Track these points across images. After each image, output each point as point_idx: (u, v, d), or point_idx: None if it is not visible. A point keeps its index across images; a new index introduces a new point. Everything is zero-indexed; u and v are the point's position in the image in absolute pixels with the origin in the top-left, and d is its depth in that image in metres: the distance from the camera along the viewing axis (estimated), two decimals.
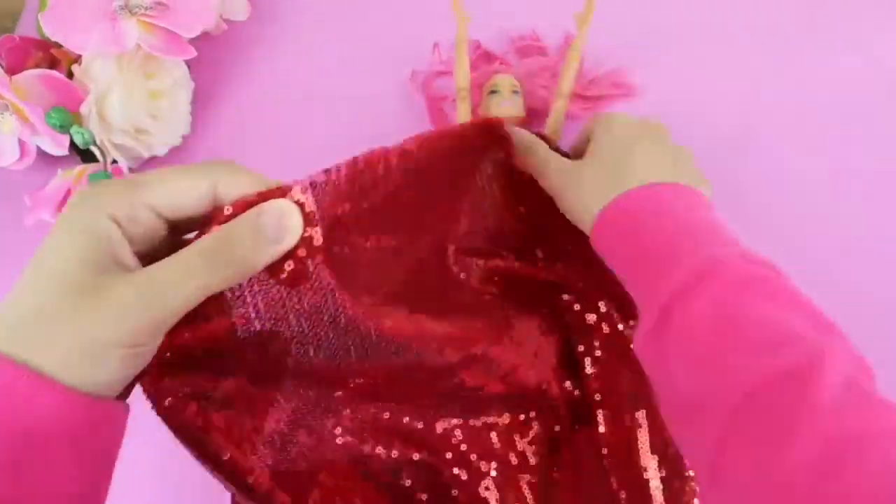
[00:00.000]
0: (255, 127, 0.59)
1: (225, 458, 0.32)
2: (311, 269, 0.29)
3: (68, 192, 0.51)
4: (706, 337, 0.29)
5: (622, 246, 0.35)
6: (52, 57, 0.56)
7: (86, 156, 0.54)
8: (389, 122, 0.57)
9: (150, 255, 0.27)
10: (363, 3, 0.63)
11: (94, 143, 0.52)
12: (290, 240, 0.28)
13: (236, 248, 0.26)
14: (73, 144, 0.52)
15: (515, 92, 0.52)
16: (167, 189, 0.26)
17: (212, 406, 0.31)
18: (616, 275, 0.36)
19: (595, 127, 0.40)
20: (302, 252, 0.29)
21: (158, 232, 0.27)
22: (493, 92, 0.51)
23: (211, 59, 0.60)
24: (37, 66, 0.54)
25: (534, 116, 0.53)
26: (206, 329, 0.29)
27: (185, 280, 0.25)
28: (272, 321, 0.30)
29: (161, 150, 0.56)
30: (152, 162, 0.57)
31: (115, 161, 0.53)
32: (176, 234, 0.28)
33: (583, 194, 0.37)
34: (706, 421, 0.27)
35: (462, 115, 0.50)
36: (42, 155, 0.53)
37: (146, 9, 0.51)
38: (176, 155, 0.57)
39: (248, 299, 0.29)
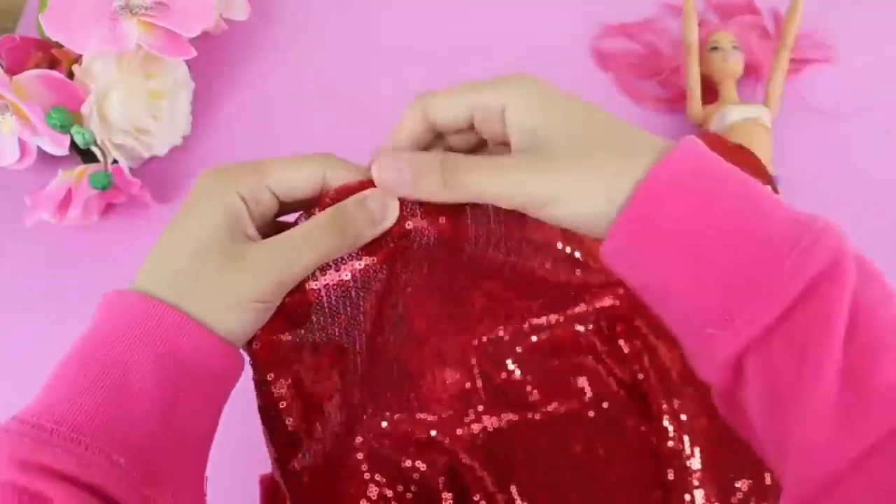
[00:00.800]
0: (255, 127, 0.59)
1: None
2: (401, 249, 0.33)
3: (69, 193, 0.51)
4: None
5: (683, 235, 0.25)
6: (53, 57, 0.56)
7: (86, 156, 0.54)
8: (389, 122, 0.57)
9: (261, 233, 0.31)
10: (363, 2, 0.63)
11: (95, 143, 0.52)
12: (390, 221, 0.31)
13: (348, 223, 0.30)
14: (73, 144, 0.52)
15: (735, 47, 0.54)
16: (286, 174, 0.31)
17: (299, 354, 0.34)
18: (642, 288, 0.27)
19: (508, 112, 0.29)
20: (397, 232, 0.32)
21: (272, 211, 0.31)
22: (714, 49, 0.53)
23: (211, 59, 0.60)
24: (37, 66, 0.54)
25: (750, 71, 0.54)
26: (297, 297, 0.32)
27: (307, 247, 0.30)
28: (361, 289, 0.33)
29: (161, 150, 0.57)
30: (153, 162, 0.57)
31: (115, 161, 0.53)
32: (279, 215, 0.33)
33: (590, 186, 0.27)
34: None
35: (692, 73, 0.53)
36: (42, 155, 0.53)
37: (146, 9, 0.51)
38: (176, 155, 0.57)
39: (342, 267, 0.33)
